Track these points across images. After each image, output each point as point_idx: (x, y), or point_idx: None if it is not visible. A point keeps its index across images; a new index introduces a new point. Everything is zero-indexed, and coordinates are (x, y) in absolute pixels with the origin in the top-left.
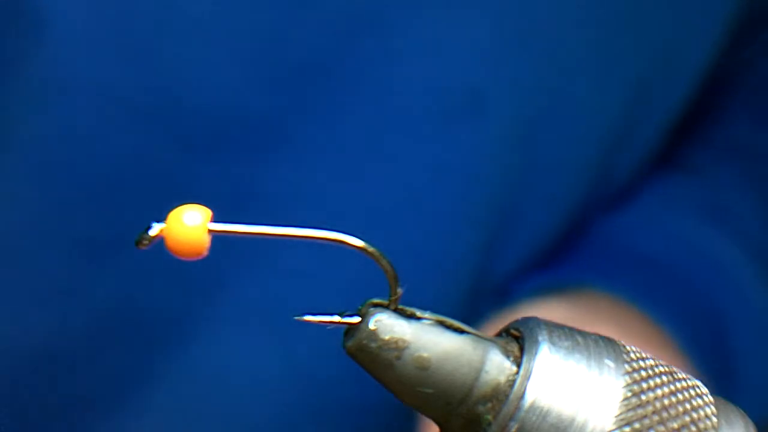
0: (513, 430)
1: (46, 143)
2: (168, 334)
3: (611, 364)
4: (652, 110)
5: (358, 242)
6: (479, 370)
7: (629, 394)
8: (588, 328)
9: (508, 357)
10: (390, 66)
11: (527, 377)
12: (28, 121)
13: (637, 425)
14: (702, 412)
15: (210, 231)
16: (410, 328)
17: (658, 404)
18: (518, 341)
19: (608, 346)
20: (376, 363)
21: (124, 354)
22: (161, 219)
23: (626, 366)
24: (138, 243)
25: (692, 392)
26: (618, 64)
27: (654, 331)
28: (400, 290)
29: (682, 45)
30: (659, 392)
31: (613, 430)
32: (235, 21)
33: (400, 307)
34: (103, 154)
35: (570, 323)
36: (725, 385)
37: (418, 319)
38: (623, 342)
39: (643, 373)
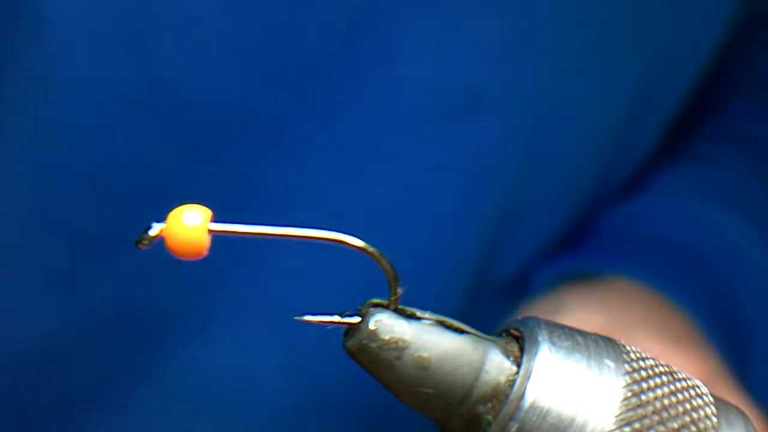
0: (513, 430)
1: (44, 139)
2: (167, 332)
3: (611, 364)
4: (654, 108)
5: (358, 242)
6: (479, 370)
7: (629, 394)
8: (619, 315)
9: (508, 357)
10: (390, 65)
11: (527, 377)
12: (27, 117)
13: (637, 425)
14: (702, 412)
15: (210, 231)
16: (410, 328)
17: (658, 404)
18: (518, 341)
19: (608, 346)
20: (376, 363)
21: (123, 351)
22: (161, 217)
23: (626, 366)
24: (138, 243)
25: (692, 392)
26: (619, 64)
27: (677, 315)
28: (400, 290)
29: (682, 44)
30: (659, 392)
31: (613, 430)
32: (235, 19)
33: (400, 307)
34: (103, 151)
35: (602, 312)
36: (742, 367)
37: (418, 319)
38: (623, 342)
39: (643, 373)
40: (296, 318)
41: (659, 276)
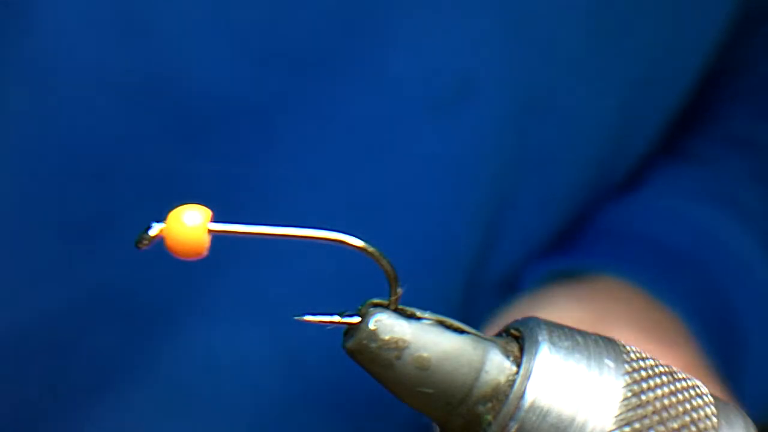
0: (513, 430)
1: (36, 125)
2: (161, 321)
3: (611, 364)
4: (651, 107)
5: (358, 242)
6: (479, 370)
7: (629, 394)
8: (602, 311)
9: (508, 357)
10: (384, 56)
11: (527, 377)
12: (22, 106)
13: (637, 425)
14: (702, 412)
15: (210, 231)
16: (410, 328)
17: (658, 404)
18: (518, 341)
19: (608, 346)
20: (376, 363)
21: (117, 340)
22: (156, 205)
23: (626, 366)
24: (138, 243)
25: (692, 392)
26: (615, 61)
27: (667, 316)
28: (400, 290)
29: (681, 42)
30: (659, 392)
31: (613, 430)
32: (230, 10)
33: (400, 307)
34: (95, 138)
35: (585, 307)
36: (734, 369)
37: (418, 319)
38: (623, 342)
39: (643, 373)
40: (296, 318)
41: (647, 275)
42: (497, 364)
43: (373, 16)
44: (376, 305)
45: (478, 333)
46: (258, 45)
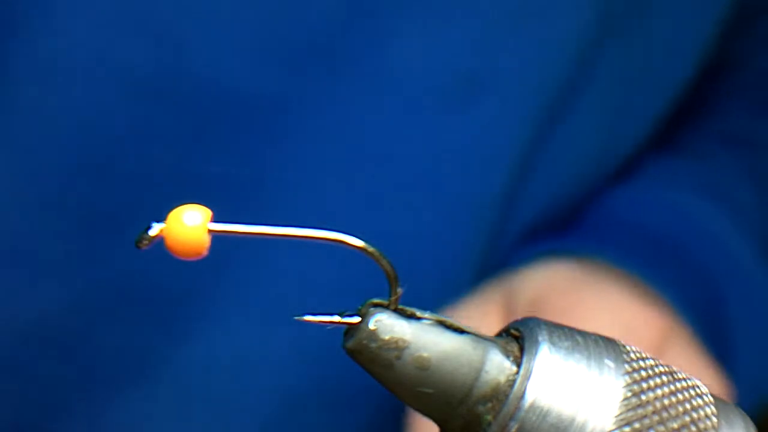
0: (513, 430)
1: (54, 117)
2: (170, 317)
3: (611, 364)
4: (647, 98)
5: (358, 242)
6: (479, 370)
7: (629, 394)
8: (588, 272)
9: (508, 357)
10: (391, 51)
11: (527, 377)
12: (36, 95)
13: (637, 425)
14: (702, 412)
15: (210, 231)
16: (410, 328)
17: (658, 404)
18: (518, 341)
19: (608, 346)
20: (376, 363)
21: (129, 336)
22: (168, 207)
23: (626, 366)
24: (138, 243)
25: (692, 392)
26: (614, 53)
27: (655, 300)
28: (400, 290)
29: (679, 33)
30: (659, 392)
31: (613, 430)
32: (236, 6)
33: (400, 307)
34: (111, 129)
35: (571, 269)
36: (722, 358)
37: (418, 319)
38: (623, 342)
39: (643, 373)
40: (296, 318)
41: (638, 261)
42: (497, 364)
43: (380, 13)
44: (376, 305)
45: (478, 333)
46: (265, 42)
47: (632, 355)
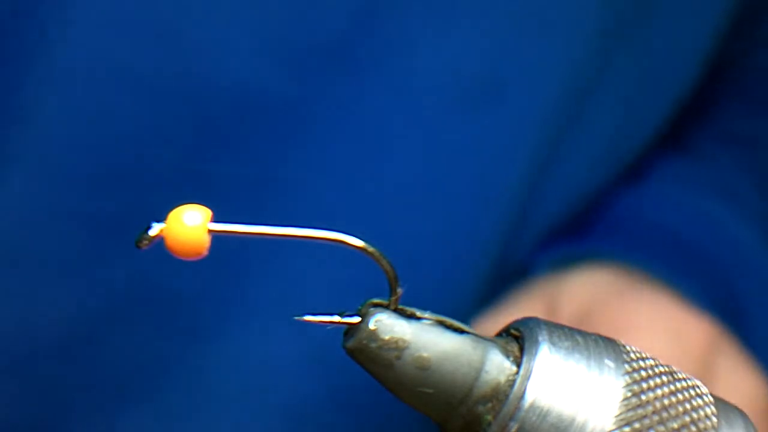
0: (513, 430)
1: (66, 124)
2: (189, 321)
3: (611, 364)
4: (656, 99)
5: (358, 242)
6: (479, 370)
7: (629, 394)
8: (628, 278)
9: (508, 357)
10: (409, 53)
11: (527, 377)
12: (48, 101)
13: (637, 425)
14: (702, 412)
15: (210, 231)
16: (410, 328)
17: (658, 404)
18: (518, 341)
19: (608, 346)
20: (376, 363)
21: (148, 341)
22: (167, 213)
23: (626, 366)
24: (138, 243)
25: (692, 392)
26: (626, 52)
27: (698, 308)
28: (400, 290)
29: (686, 33)
30: (659, 392)
31: (613, 430)
32: (255, 7)
33: (400, 307)
34: (124, 135)
35: (621, 292)
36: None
37: (418, 319)
38: (623, 342)
39: (643, 373)
40: (296, 318)
41: (659, 262)
42: (497, 364)
43: (399, 14)
44: (376, 305)
45: (478, 333)
46: (283, 44)
47: (632, 355)
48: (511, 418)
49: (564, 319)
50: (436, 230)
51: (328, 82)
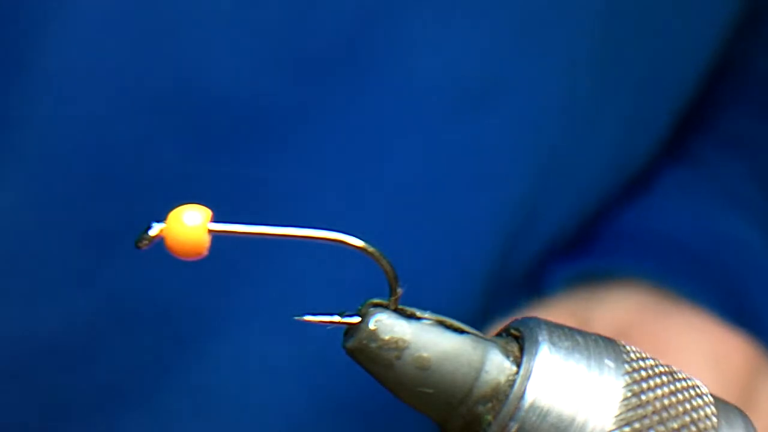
0: (513, 430)
1: (57, 131)
2: (187, 328)
3: (611, 364)
4: (659, 105)
5: (358, 242)
6: (479, 370)
7: (629, 394)
8: (675, 321)
9: (508, 357)
10: (407, 58)
11: (527, 377)
12: (41, 109)
13: (637, 425)
14: (702, 412)
15: (210, 231)
16: (410, 328)
17: (658, 404)
18: (518, 341)
19: (608, 346)
20: (376, 363)
21: (144, 348)
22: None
23: (626, 366)
24: (138, 243)
25: (692, 392)
26: (627, 59)
27: (734, 328)
28: (400, 290)
29: (688, 39)
30: (659, 392)
31: (613, 430)
32: (249, 13)
33: (400, 307)
34: (118, 143)
35: (657, 313)
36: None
37: (418, 319)
38: (623, 342)
39: (643, 373)
40: (296, 318)
41: (673, 276)
42: (497, 364)
43: (399, 16)
44: (376, 305)
45: (478, 333)
46: (283, 46)
47: (632, 355)
48: (511, 418)
49: None
50: (437, 233)
51: (327, 84)
